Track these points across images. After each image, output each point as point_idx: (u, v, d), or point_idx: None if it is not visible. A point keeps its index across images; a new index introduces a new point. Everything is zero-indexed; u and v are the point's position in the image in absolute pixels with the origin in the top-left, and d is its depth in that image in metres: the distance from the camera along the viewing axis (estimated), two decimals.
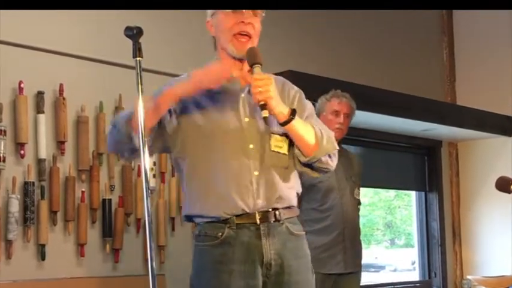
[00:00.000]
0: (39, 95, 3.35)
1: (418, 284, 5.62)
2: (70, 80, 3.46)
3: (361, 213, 3.73)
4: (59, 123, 3.39)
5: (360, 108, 4.05)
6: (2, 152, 3.16)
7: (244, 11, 2.18)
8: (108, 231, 3.52)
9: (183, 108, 2.18)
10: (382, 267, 6.16)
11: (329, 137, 2.23)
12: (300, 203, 2.56)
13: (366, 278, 5.36)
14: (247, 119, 2.18)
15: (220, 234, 2.13)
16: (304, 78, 3.91)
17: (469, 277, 5.25)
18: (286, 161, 2.21)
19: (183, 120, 2.18)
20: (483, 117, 5.32)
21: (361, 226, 3.71)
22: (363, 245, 3.70)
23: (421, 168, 5.77)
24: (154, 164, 3.69)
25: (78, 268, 3.44)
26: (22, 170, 3.28)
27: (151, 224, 1.97)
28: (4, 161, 3.18)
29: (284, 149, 2.20)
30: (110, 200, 3.53)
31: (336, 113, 3.52)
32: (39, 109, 3.34)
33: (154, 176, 3.69)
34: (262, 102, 2.07)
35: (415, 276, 5.76)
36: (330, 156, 2.24)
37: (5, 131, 3.20)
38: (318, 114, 2.62)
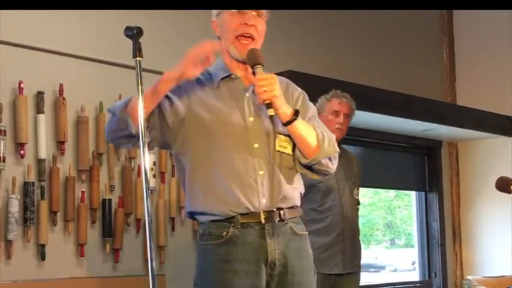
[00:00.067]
0: (39, 95, 3.35)
1: (418, 284, 5.62)
2: (70, 80, 3.46)
3: (361, 213, 3.74)
4: (59, 123, 3.39)
5: (360, 108, 4.05)
6: (2, 152, 3.16)
7: (247, 12, 2.19)
8: (108, 232, 3.52)
9: (188, 104, 2.18)
10: (382, 268, 6.16)
11: (330, 139, 2.24)
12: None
13: (366, 278, 5.37)
14: (251, 118, 2.19)
15: (225, 233, 2.13)
16: (304, 78, 3.90)
17: (469, 277, 5.25)
18: (291, 162, 2.22)
19: (187, 116, 2.18)
20: (483, 117, 5.32)
21: (361, 226, 3.72)
22: (363, 245, 3.71)
23: (421, 168, 5.77)
24: (154, 164, 3.69)
25: (78, 268, 3.44)
26: (22, 170, 3.27)
27: (151, 224, 1.96)
28: (4, 161, 3.17)
29: (288, 150, 2.21)
30: (110, 200, 3.53)
31: (336, 113, 3.52)
32: (39, 109, 3.34)
33: (154, 176, 3.69)
34: (267, 101, 2.09)
35: (415, 276, 5.75)
36: (330, 159, 2.25)
37: (4, 131, 3.19)
38: (318, 114, 2.64)
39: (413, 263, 5.88)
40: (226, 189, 2.13)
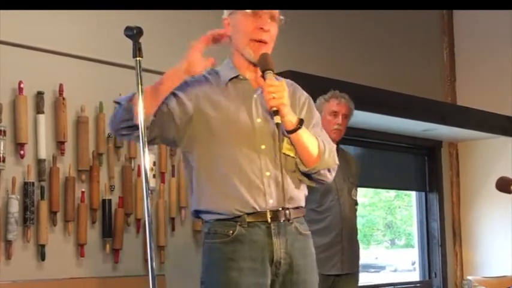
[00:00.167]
0: (39, 95, 3.34)
1: (418, 285, 5.62)
2: (70, 80, 3.46)
3: (361, 213, 3.74)
4: (59, 123, 3.39)
5: (360, 108, 4.04)
6: (1, 152, 3.16)
7: (262, 15, 2.20)
8: (108, 232, 3.52)
9: (196, 103, 2.19)
10: (382, 268, 6.16)
11: (331, 150, 2.26)
12: None
13: (366, 278, 5.37)
14: (259, 120, 2.20)
15: (231, 232, 2.14)
16: (304, 78, 3.89)
17: (469, 277, 5.24)
18: (294, 165, 2.24)
19: (194, 114, 2.19)
20: (483, 118, 5.32)
21: (361, 226, 3.72)
22: (363, 246, 3.71)
23: (422, 168, 5.77)
24: (154, 164, 3.69)
25: (78, 268, 3.44)
26: (22, 170, 3.27)
27: (151, 224, 1.96)
28: (4, 161, 3.17)
29: (293, 153, 2.22)
30: (109, 200, 3.53)
31: (335, 114, 3.52)
32: (39, 109, 3.34)
33: (154, 176, 3.68)
34: (275, 109, 2.11)
35: (415, 276, 5.75)
36: (329, 170, 2.28)
37: (4, 131, 3.19)
38: None
39: (413, 263, 5.88)
40: (233, 189, 2.14)
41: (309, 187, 2.32)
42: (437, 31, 5.95)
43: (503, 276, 5.06)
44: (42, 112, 3.33)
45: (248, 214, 2.14)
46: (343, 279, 3.51)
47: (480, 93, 5.73)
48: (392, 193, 6.15)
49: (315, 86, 3.61)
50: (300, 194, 2.26)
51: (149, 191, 2.01)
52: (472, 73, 5.86)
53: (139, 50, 2.03)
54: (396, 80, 5.26)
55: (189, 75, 2.15)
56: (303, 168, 2.23)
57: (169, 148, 3.73)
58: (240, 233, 2.14)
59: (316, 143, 2.22)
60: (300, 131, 2.17)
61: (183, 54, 2.11)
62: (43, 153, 3.31)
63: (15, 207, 3.18)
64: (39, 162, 3.31)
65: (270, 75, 2.15)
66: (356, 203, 3.66)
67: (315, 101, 3.45)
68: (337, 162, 2.31)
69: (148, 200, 1.98)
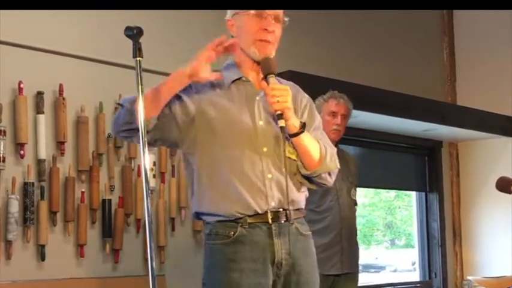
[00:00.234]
0: (39, 95, 3.34)
1: (418, 285, 5.62)
2: (70, 80, 3.45)
3: (361, 213, 3.74)
4: (59, 123, 3.38)
5: (360, 108, 4.04)
6: (1, 152, 3.16)
7: (267, 16, 2.20)
8: (108, 232, 3.51)
9: (199, 104, 2.19)
10: (382, 268, 6.16)
11: (332, 154, 2.27)
12: None
13: (366, 278, 5.37)
14: (261, 122, 2.21)
15: (233, 233, 2.15)
16: (304, 78, 3.89)
17: (469, 278, 5.24)
18: (296, 168, 2.24)
19: (197, 115, 2.19)
20: (484, 118, 5.32)
21: (361, 227, 3.72)
22: (363, 246, 3.71)
23: (422, 168, 5.77)
24: (154, 164, 3.69)
25: (78, 269, 3.43)
26: (22, 170, 3.27)
27: (151, 224, 1.96)
28: (4, 161, 3.17)
29: (294, 156, 2.23)
30: (109, 200, 3.53)
31: (333, 114, 3.53)
32: (38, 109, 3.33)
33: (154, 176, 3.68)
34: (279, 112, 2.11)
35: (415, 276, 5.75)
36: (329, 173, 2.29)
37: (4, 132, 3.19)
38: None
39: (413, 264, 5.88)
40: (235, 191, 2.15)
41: (308, 188, 2.33)
42: (437, 31, 5.95)
43: (503, 276, 5.05)
44: (42, 112, 3.33)
45: (249, 216, 2.15)
46: (343, 279, 3.51)
47: (480, 93, 5.73)
48: (392, 193, 6.14)
49: (315, 86, 3.61)
50: (301, 196, 2.27)
51: (149, 191, 2.01)
52: (472, 73, 5.86)
53: (140, 50, 2.02)
54: (396, 80, 5.26)
55: (191, 81, 2.14)
56: (304, 172, 2.23)
57: (169, 148, 3.73)
58: (241, 234, 2.14)
59: (318, 147, 2.23)
60: (302, 135, 2.18)
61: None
62: (43, 153, 3.31)
63: (15, 207, 3.18)
64: (39, 162, 3.31)
65: (272, 79, 2.16)
66: (355, 203, 3.66)
67: (314, 101, 3.47)
68: (338, 166, 2.32)
69: (148, 200, 1.98)
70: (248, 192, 2.14)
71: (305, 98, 2.36)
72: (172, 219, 3.80)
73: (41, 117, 3.33)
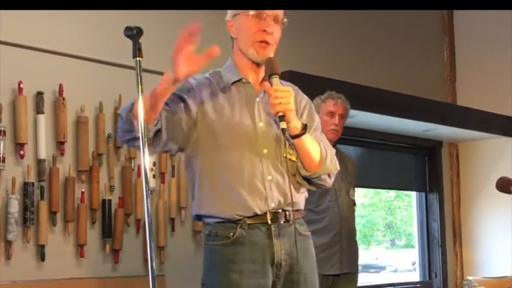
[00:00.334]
0: (39, 95, 3.34)
1: (418, 285, 5.61)
2: (70, 80, 3.45)
3: (361, 213, 3.74)
4: (59, 123, 3.38)
5: (359, 108, 4.04)
6: (1, 152, 3.16)
7: (266, 17, 2.20)
8: (108, 232, 3.51)
9: (201, 108, 2.19)
10: (382, 268, 6.16)
11: (332, 156, 2.28)
12: None
13: (367, 278, 5.37)
14: (261, 124, 2.21)
15: (232, 234, 2.15)
16: (304, 78, 3.90)
17: (469, 278, 5.24)
18: (295, 169, 2.24)
19: (199, 118, 2.19)
20: (484, 118, 5.32)
21: (361, 227, 3.72)
22: (363, 246, 3.71)
23: (422, 168, 5.77)
24: (154, 164, 3.69)
25: (77, 269, 3.43)
26: (22, 170, 3.27)
27: (151, 224, 1.96)
28: (4, 161, 3.17)
29: (294, 157, 2.23)
30: (109, 200, 3.53)
31: (331, 114, 3.53)
32: (38, 109, 3.33)
33: (154, 176, 3.68)
34: (281, 114, 2.10)
35: (415, 276, 5.75)
36: (329, 175, 2.29)
37: (4, 132, 3.19)
38: None
39: (413, 264, 5.88)
40: (235, 193, 2.15)
41: (307, 189, 2.33)
42: (437, 31, 5.94)
43: (504, 276, 5.05)
44: (42, 112, 3.33)
45: (248, 217, 2.15)
46: (343, 279, 3.51)
47: (480, 93, 5.73)
48: (392, 193, 6.14)
49: (315, 86, 3.62)
50: (300, 197, 2.28)
51: (149, 192, 2.00)
52: (472, 73, 5.86)
53: (139, 50, 2.02)
54: (396, 80, 5.26)
55: (178, 83, 2.06)
56: (304, 173, 2.23)
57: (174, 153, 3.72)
58: (241, 235, 2.15)
59: (319, 149, 2.23)
60: (304, 137, 2.18)
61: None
62: (43, 154, 3.31)
63: (15, 207, 3.18)
64: (39, 162, 3.31)
65: (276, 80, 2.15)
66: (354, 203, 3.66)
67: (312, 101, 3.47)
68: (338, 168, 2.33)
69: (148, 201, 1.98)
70: (248, 194, 2.14)
71: (304, 98, 2.36)
72: (172, 219, 3.79)
73: (41, 117, 3.32)
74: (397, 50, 5.46)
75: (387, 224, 6.22)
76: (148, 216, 1.96)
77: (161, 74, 2.11)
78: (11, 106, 3.27)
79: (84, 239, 3.42)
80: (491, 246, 5.62)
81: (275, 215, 2.17)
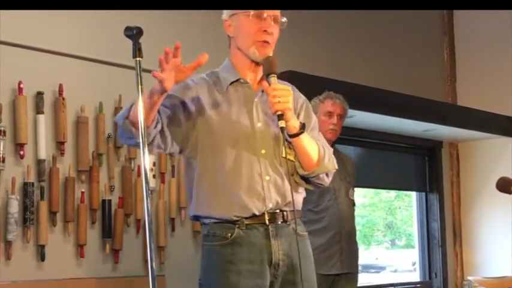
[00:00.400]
0: (39, 95, 3.34)
1: (418, 285, 5.61)
2: (70, 80, 3.45)
3: (361, 213, 3.74)
4: (59, 123, 3.38)
5: (360, 108, 4.04)
6: (1, 152, 3.15)
7: (266, 17, 2.19)
8: (107, 232, 3.51)
9: (198, 109, 2.19)
10: (382, 268, 6.16)
11: (330, 155, 2.28)
12: None
13: (367, 278, 5.37)
14: (260, 124, 2.21)
15: (230, 234, 2.15)
16: (304, 78, 3.90)
17: (469, 278, 5.23)
18: (294, 169, 2.24)
19: (198, 120, 2.19)
20: (484, 118, 5.32)
21: (361, 227, 3.72)
22: (363, 246, 3.71)
23: (422, 168, 5.76)
24: (154, 164, 3.69)
25: (77, 269, 3.43)
26: (21, 170, 3.27)
27: (151, 224, 1.96)
28: (4, 161, 3.17)
29: (292, 157, 2.23)
30: (109, 200, 3.53)
31: (330, 114, 3.53)
32: (38, 109, 3.33)
33: (154, 176, 3.68)
34: (279, 113, 2.10)
35: (415, 277, 5.75)
36: (327, 174, 2.29)
37: (4, 132, 3.19)
38: None
39: (413, 264, 5.87)
40: (233, 195, 2.15)
41: (304, 188, 2.33)
42: (437, 31, 5.94)
43: (504, 276, 5.05)
44: (42, 112, 3.33)
45: (246, 217, 2.15)
46: (343, 278, 3.52)
47: (480, 93, 5.73)
48: (392, 193, 6.14)
49: (315, 86, 3.62)
50: (299, 197, 2.28)
51: (149, 192, 2.00)
52: (472, 73, 5.85)
53: (139, 50, 2.01)
54: (396, 80, 5.26)
55: (166, 93, 2.05)
56: (302, 172, 2.23)
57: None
58: (239, 236, 2.15)
59: (317, 148, 2.23)
60: (302, 136, 2.18)
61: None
62: (43, 154, 3.30)
63: (15, 207, 3.18)
64: (39, 162, 3.30)
65: (274, 79, 2.15)
66: (353, 203, 3.66)
67: (311, 101, 3.47)
68: (336, 166, 2.33)
69: (148, 201, 1.98)
70: (246, 195, 2.14)
71: (301, 98, 2.36)
72: (172, 219, 3.79)
73: (41, 117, 3.32)
74: (397, 50, 5.46)
75: (387, 224, 6.22)
76: (148, 216, 1.96)
77: None
78: (11, 106, 3.27)
79: (84, 239, 3.42)
80: (492, 247, 5.62)
81: (273, 216, 2.17)
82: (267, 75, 2.17)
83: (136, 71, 2.01)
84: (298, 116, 2.27)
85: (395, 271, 6.20)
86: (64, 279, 3.35)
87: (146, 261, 1.97)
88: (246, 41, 2.22)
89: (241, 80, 2.25)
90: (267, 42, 2.20)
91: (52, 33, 3.46)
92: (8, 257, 3.18)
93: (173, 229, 3.80)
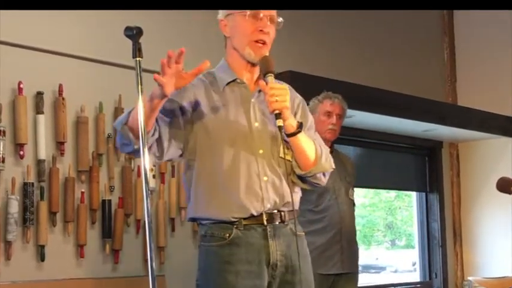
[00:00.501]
0: (39, 95, 3.34)
1: (418, 285, 5.61)
2: (69, 80, 3.45)
3: (361, 213, 3.74)
4: (59, 123, 3.38)
5: (359, 108, 4.04)
6: (1, 152, 3.15)
7: (262, 17, 2.19)
8: (107, 232, 3.51)
9: (196, 111, 2.19)
10: (382, 268, 6.16)
11: (327, 154, 2.28)
12: None
13: (367, 279, 5.37)
14: (257, 124, 2.21)
15: (228, 235, 2.15)
16: (304, 78, 3.90)
17: (469, 278, 5.23)
18: (290, 168, 2.24)
19: (195, 122, 2.19)
20: (484, 118, 5.31)
21: (361, 227, 3.72)
22: (363, 246, 3.71)
23: (422, 168, 5.76)
24: (154, 164, 3.68)
25: (77, 269, 3.43)
26: (21, 170, 3.27)
27: (151, 224, 1.95)
28: (3, 161, 3.17)
29: (289, 157, 2.23)
30: (109, 200, 3.52)
31: (329, 114, 3.53)
32: (38, 110, 3.33)
33: (154, 176, 3.68)
34: (277, 112, 2.10)
35: (415, 277, 5.75)
36: (324, 173, 2.29)
37: (4, 132, 3.19)
38: None
39: (413, 264, 5.87)
40: (231, 195, 2.14)
41: (302, 188, 2.32)
42: (437, 31, 5.94)
43: (504, 277, 5.04)
44: (42, 112, 3.33)
45: (244, 218, 2.15)
46: (343, 278, 3.51)
47: (480, 94, 5.73)
48: (392, 193, 6.14)
49: (315, 86, 3.62)
50: (296, 197, 2.27)
51: (149, 192, 2.00)
52: (472, 73, 5.85)
53: (139, 50, 2.01)
54: (396, 80, 5.26)
55: (165, 98, 2.05)
56: (298, 172, 2.23)
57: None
58: (237, 236, 2.14)
59: (314, 147, 2.22)
60: (299, 135, 2.17)
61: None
62: (43, 154, 3.30)
63: (14, 207, 3.18)
64: (39, 162, 3.30)
65: (271, 78, 2.14)
66: (353, 203, 3.66)
67: (310, 101, 3.47)
68: (333, 166, 2.32)
69: (148, 201, 1.97)
70: (244, 196, 2.14)
71: (297, 97, 2.35)
72: (172, 219, 3.79)
73: (41, 118, 3.32)
74: (397, 50, 5.45)
75: (387, 225, 6.22)
76: (148, 217, 1.96)
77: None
78: (11, 106, 3.27)
79: (84, 239, 3.42)
80: (492, 247, 5.61)
81: (271, 216, 2.17)
82: (264, 75, 2.17)
83: (136, 71, 2.01)
84: (295, 116, 2.26)
85: (395, 271, 6.20)
86: (64, 280, 3.34)
87: (146, 261, 1.97)
88: (241, 41, 2.21)
89: (238, 80, 2.24)
90: (263, 42, 2.20)
91: (52, 33, 3.46)
92: (8, 257, 3.18)
93: (173, 229, 3.80)
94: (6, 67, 3.24)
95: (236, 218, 2.14)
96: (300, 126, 2.17)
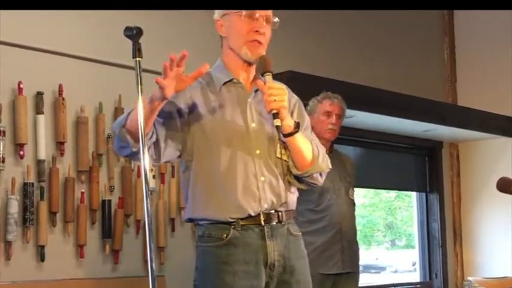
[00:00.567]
0: (39, 95, 3.34)
1: (418, 285, 5.61)
2: (69, 80, 3.45)
3: (361, 213, 3.74)
4: (59, 123, 3.38)
5: (359, 108, 4.04)
6: (1, 152, 3.15)
7: (258, 17, 2.19)
8: (107, 232, 3.51)
9: (193, 112, 2.19)
10: (382, 268, 6.16)
11: (324, 154, 2.28)
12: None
13: (367, 279, 5.36)
14: (253, 124, 2.20)
15: (225, 235, 2.14)
16: (304, 78, 3.90)
17: (470, 278, 5.23)
18: (287, 168, 2.23)
19: (192, 123, 2.19)
20: (484, 118, 5.31)
21: (361, 227, 3.72)
22: (363, 246, 3.71)
23: (422, 168, 5.76)
24: (154, 165, 3.68)
25: (77, 269, 3.43)
26: (21, 170, 3.26)
27: (151, 225, 1.95)
28: (3, 161, 3.17)
29: (286, 156, 2.23)
30: (109, 201, 3.52)
31: (328, 114, 3.53)
32: (38, 110, 3.33)
33: (154, 177, 3.68)
34: (275, 111, 2.09)
35: (415, 277, 5.75)
36: (321, 174, 2.28)
37: (4, 132, 3.19)
38: (310, 116, 2.67)
39: (414, 264, 5.87)
40: (228, 195, 2.14)
41: (299, 188, 2.32)
42: (437, 31, 5.94)
43: (504, 277, 5.05)
44: (42, 112, 3.33)
45: (242, 218, 2.15)
46: (344, 278, 3.51)
47: (481, 94, 5.72)
48: (392, 194, 6.14)
49: (315, 86, 3.62)
50: (293, 198, 2.27)
51: (149, 192, 2.00)
52: (472, 73, 5.85)
53: (139, 50, 2.01)
54: (396, 80, 5.26)
55: (165, 100, 2.05)
56: (295, 172, 2.23)
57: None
58: (234, 236, 2.14)
59: (311, 147, 2.22)
60: (296, 135, 2.17)
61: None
62: (43, 154, 3.30)
63: (14, 207, 3.18)
64: (39, 162, 3.30)
65: (269, 77, 2.14)
66: (353, 203, 3.66)
67: (308, 102, 3.47)
68: (330, 166, 2.32)
69: (148, 201, 1.97)
70: (242, 196, 2.14)
71: (294, 98, 2.35)
72: (172, 219, 3.79)
73: (41, 118, 3.32)
74: (397, 50, 5.45)
75: (387, 225, 6.22)
76: (148, 217, 1.96)
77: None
78: (11, 106, 3.27)
79: (84, 240, 3.41)
80: (492, 247, 5.61)
81: (268, 216, 2.17)
82: (262, 74, 2.17)
83: (136, 71, 2.01)
84: (291, 115, 2.26)
85: (395, 271, 6.19)
86: (64, 280, 3.34)
87: (146, 261, 1.97)
88: (238, 41, 2.21)
89: (234, 80, 2.24)
90: (259, 42, 2.19)
91: (52, 33, 3.46)
92: (7, 257, 3.18)
93: (173, 229, 3.80)
94: (6, 67, 3.24)
95: (233, 218, 2.14)
96: (297, 126, 2.17)
